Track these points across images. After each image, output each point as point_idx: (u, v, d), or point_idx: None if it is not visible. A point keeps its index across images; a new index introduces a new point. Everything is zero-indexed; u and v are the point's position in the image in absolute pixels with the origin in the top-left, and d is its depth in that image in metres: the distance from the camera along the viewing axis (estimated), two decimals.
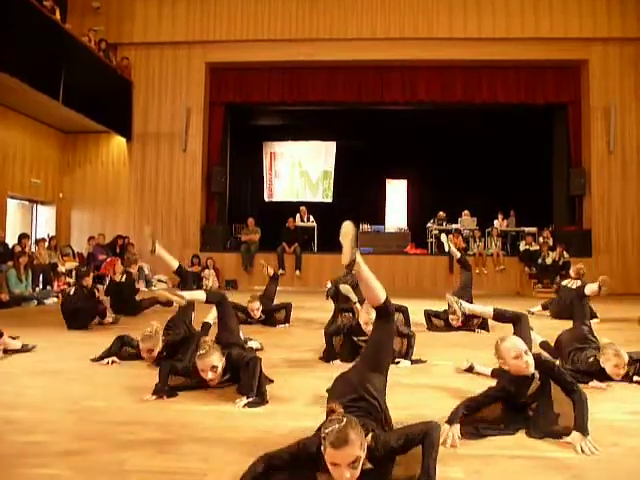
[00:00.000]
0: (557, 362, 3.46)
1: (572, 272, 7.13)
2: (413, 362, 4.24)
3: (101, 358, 4.25)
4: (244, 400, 3.17)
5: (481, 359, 4.12)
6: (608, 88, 11.60)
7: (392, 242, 12.33)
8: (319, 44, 11.76)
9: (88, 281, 6.29)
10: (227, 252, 11.90)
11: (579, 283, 6.86)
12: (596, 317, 6.21)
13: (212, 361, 3.33)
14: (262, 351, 4.60)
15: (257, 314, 6.16)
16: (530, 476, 2.24)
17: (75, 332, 5.75)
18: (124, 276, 7.09)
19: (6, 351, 4.55)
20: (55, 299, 8.53)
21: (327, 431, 1.96)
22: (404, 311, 5.70)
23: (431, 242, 12.18)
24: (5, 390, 3.42)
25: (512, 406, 2.85)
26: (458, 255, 6.66)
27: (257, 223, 12.10)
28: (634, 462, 2.40)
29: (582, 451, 2.45)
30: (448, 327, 5.92)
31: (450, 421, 2.67)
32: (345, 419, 1.99)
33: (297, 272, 11.34)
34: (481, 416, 2.82)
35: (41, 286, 8.96)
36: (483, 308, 4.17)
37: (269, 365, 4.18)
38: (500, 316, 3.92)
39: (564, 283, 7.13)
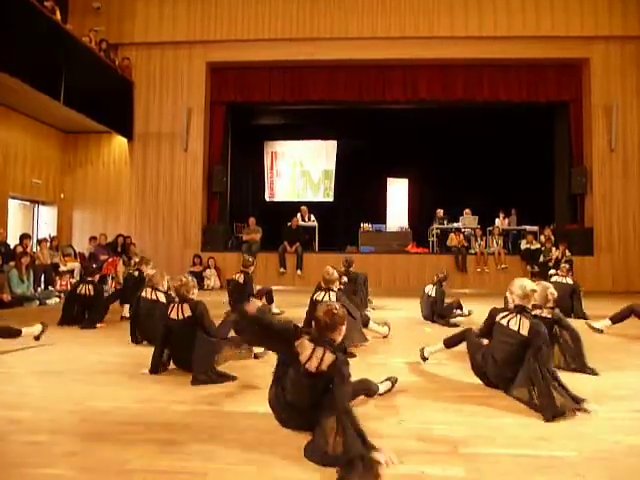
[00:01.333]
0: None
1: (562, 269, 7.39)
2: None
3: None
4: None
5: None
6: (609, 86, 11.58)
7: (393, 241, 12.33)
8: (320, 43, 11.75)
9: (96, 277, 6.61)
10: (228, 252, 11.90)
11: (570, 280, 7.10)
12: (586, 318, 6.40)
13: None
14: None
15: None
16: (532, 474, 2.24)
17: (77, 332, 5.76)
18: (136, 272, 7.13)
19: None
20: (57, 299, 8.55)
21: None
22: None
23: (432, 241, 12.18)
24: (8, 390, 3.43)
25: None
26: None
27: (258, 223, 12.11)
28: (635, 460, 2.40)
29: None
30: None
31: None
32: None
33: (298, 271, 11.34)
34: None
35: (43, 286, 8.98)
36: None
37: (269, 365, 4.17)
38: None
39: (555, 279, 7.24)
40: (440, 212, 12.31)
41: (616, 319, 5.76)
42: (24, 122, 10.84)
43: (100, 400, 3.23)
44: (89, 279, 6.41)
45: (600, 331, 5.81)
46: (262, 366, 4.12)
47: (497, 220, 12.36)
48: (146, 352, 4.43)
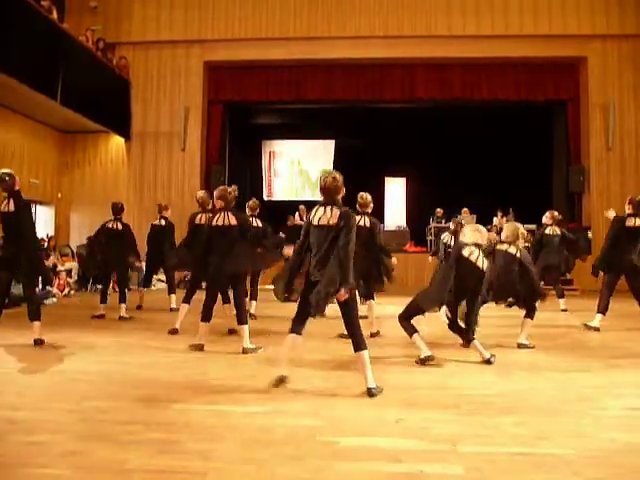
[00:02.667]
0: None
1: (547, 218, 7.40)
2: None
3: None
4: None
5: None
6: (607, 85, 11.60)
7: (391, 240, 12.27)
8: (317, 42, 11.73)
9: (122, 215, 6.99)
10: None
11: (558, 231, 7.27)
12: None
13: None
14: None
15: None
16: (530, 473, 2.25)
17: (76, 332, 5.75)
18: (162, 221, 7.47)
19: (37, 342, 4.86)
20: (54, 299, 8.54)
21: None
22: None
23: (430, 240, 12.18)
24: (7, 390, 3.43)
25: None
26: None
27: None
28: (632, 458, 2.41)
29: None
30: None
31: None
32: None
33: None
34: None
35: (40, 286, 8.94)
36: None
37: (271, 364, 4.19)
38: None
39: (547, 231, 7.31)
40: (440, 211, 12.31)
41: (601, 307, 5.87)
42: (21, 122, 10.80)
43: (98, 400, 3.23)
44: (117, 216, 6.81)
45: (597, 329, 5.83)
46: (261, 367, 4.13)
47: (495, 219, 12.36)
48: (146, 350, 4.43)
